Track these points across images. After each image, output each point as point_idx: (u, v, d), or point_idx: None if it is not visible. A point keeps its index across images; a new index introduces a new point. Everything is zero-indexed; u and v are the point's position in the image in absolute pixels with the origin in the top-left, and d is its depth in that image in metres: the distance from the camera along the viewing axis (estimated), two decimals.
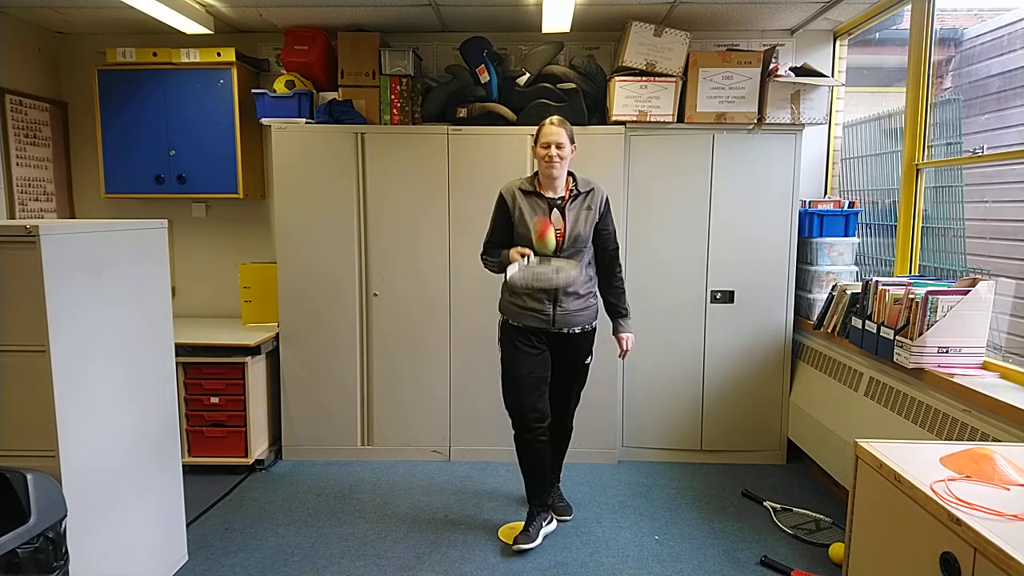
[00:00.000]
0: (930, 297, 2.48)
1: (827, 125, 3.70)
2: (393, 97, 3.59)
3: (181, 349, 3.25)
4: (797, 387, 3.62)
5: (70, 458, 1.99)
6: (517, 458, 2.86)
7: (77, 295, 2.03)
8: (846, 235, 3.51)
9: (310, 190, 3.58)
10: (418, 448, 3.74)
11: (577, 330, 2.79)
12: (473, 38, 3.51)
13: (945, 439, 2.35)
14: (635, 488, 3.41)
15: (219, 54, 3.63)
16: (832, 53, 3.82)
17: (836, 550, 2.70)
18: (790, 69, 3.45)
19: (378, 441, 3.74)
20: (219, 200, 4.03)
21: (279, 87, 3.63)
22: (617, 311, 2.89)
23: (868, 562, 1.68)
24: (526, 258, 2.62)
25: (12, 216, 3.64)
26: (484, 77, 3.52)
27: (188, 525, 2.81)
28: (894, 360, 2.64)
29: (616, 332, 2.89)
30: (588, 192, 2.76)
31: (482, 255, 2.84)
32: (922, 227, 3.13)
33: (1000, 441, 2.10)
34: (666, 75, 3.42)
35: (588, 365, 2.91)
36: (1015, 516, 1.33)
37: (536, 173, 2.77)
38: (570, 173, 2.77)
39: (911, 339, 2.53)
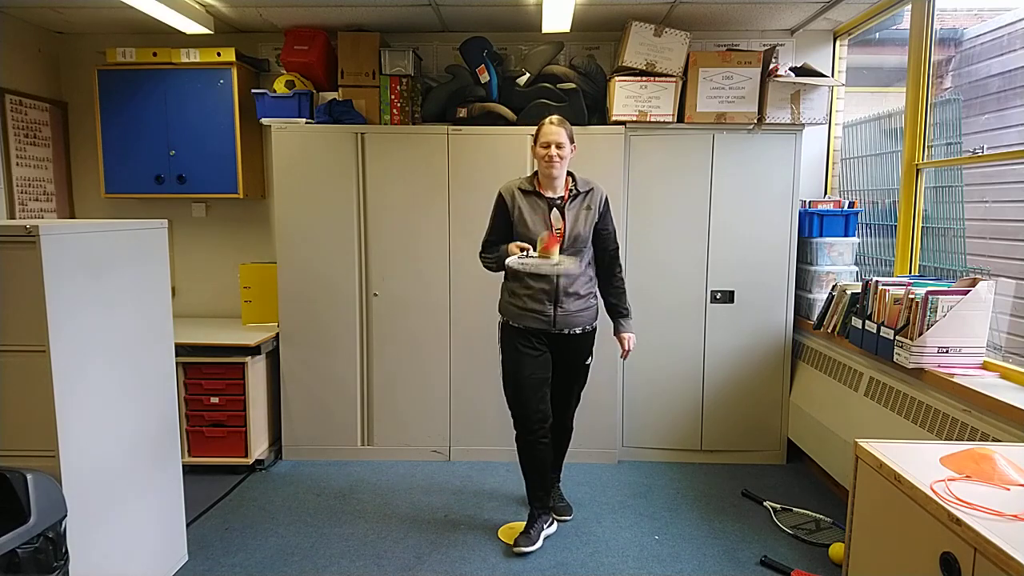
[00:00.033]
0: (930, 297, 2.48)
1: (827, 125, 3.70)
2: (393, 97, 3.59)
3: (181, 349, 3.25)
4: (797, 387, 3.62)
5: (70, 458, 1.99)
6: (519, 459, 2.86)
7: (77, 295, 2.03)
8: (846, 235, 3.51)
9: (310, 190, 3.58)
10: (418, 448, 3.74)
11: (578, 331, 2.78)
12: (473, 38, 3.51)
13: (945, 439, 2.35)
14: (635, 488, 3.41)
15: (219, 54, 3.63)
16: (832, 53, 3.82)
17: (836, 550, 2.70)
18: (790, 69, 3.45)
19: (378, 441, 3.74)
20: (219, 200, 4.03)
21: (279, 87, 3.63)
22: (618, 311, 2.89)
23: (868, 562, 1.67)
24: (526, 252, 2.62)
25: (12, 216, 3.64)
26: (484, 77, 3.52)
27: (188, 525, 2.81)
28: (894, 360, 2.64)
29: (617, 332, 2.89)
30: (588, 192, 2.75)
31: (481, 253, 2.84)
32: (922, 227, 3.13)
33: (1000, 441, 2.10)
34: (666, 75, 3.42)
35: (588, 366, 2.91)
36: (1015, 516, 1.33)
37: (536, 173, 2.77)
38: (569, 173, 2.76)
39: (911, 339, 2.53)
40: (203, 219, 4.07)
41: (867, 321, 2.84)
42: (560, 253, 2.67)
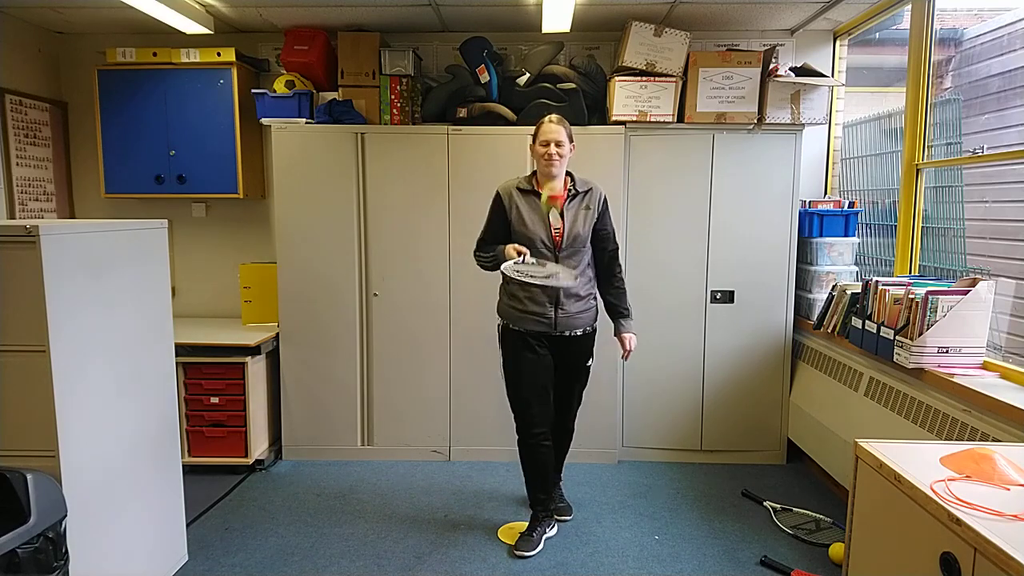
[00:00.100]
0: (930, 297, 2.48)
1: (827, 125, 3.70)
2: (393, 97, 3.59)
3: (181, 349, 3.25)
4: (797, 387, 3.62)
5: (70, 458, 1.99)
6: (520, 461, 2.86)
7: (77, 295, 2.03)
8: (846, 235, 3.51)
9: (310, 190, 3.58)
10: (418, 448, 3.74)
11: (579, 332, 2.78)
12: (473, 38, 3.51)
13: (945, 439, 2.35)
14: (635, 488, 3.41)
15: (219, 54, 3.63)
16: (832, 53, 3.82)
17: (836, 550, 2.70)
18: (790, 69, 3.45)
19: (378, 441, 3.74)
20: (219, 200, 4.03)
21: (279, 87, 3.63)
22: (618, 311, 2.88)
23: (868, 562, 1.67)
24: (523, 256, 2.61)
25: (12, 216, 3.64)
26: (484, 77, 3.52)
27: (188, 525, 2.81)
28: (894, 360, 2.64)
29: (618, 333, 2.88)
30: (586, 192, 2.75)
31: (475, 252, 2.82)
32: (922, 227, 3.13)
33: (1000, 441, 2.10)
34: (666, 75, 3.42)
35: (590, 367, 2.90)
36: (1015, 516, 1.33)
37: (534, 172, 2.76)
38: (568, 173, 2.76)
39: (911, 339, 2.53)
40: (203, 219, 4.07)
41: (867, 321, 2.84)
42: (559, 253, 2.67)
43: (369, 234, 3.61)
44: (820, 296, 3.45)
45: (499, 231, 2.76)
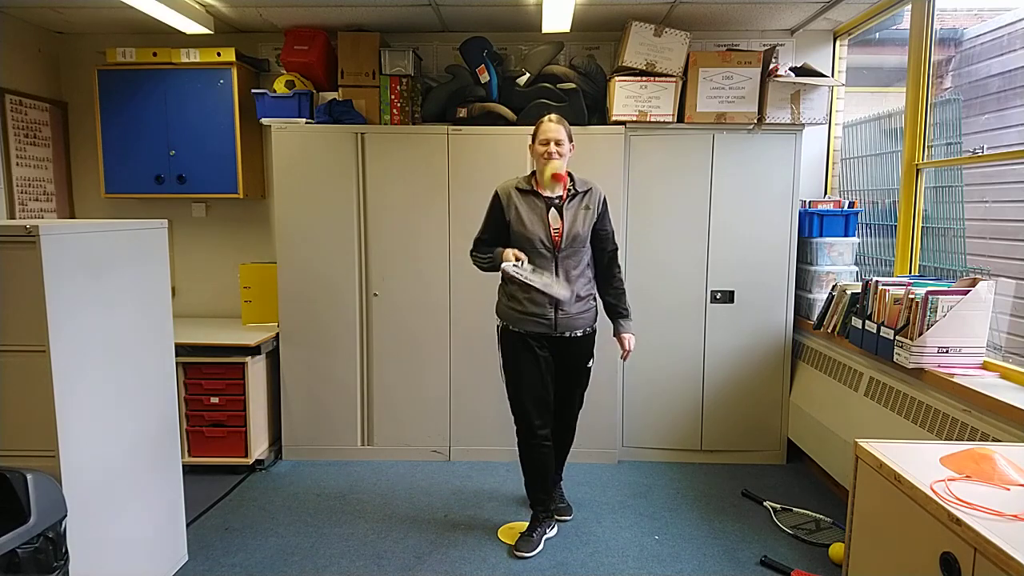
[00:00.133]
0: (930, 297, 2.48)
1: (827, 125, 3.70)
2: (393, 97, 3.59)
3: (181, 349, 3.25)
4: (797, 387, 3.62)
5: (70, 458, 1.99)
6: (520, 462, 2.86)
7: (77, 295, 2.03)
8: (846, 235, 3.51)
9: (310, 190, 3.58)
10: (418, 448, 3.74)
11: (579, 333, 2.78)
12: (473, 38, 3.51)
13: (945, 439, 2.35)
14: (635, 488, 3.41)
15: (219, 54, 3.63)
16: (832, 53, 3.82)
17: (836, 550, 2.70)
18: (790, 69, 3.45)
19: (378, 441, 3.74)
20: (219, 200, 4.03)
21: (279, 87, 3.63)
22: (617, 312, 2.87)
23: (868, 562, 1.67)
24: (521, 262, 2.60)
25: (12, 216, 3.64)
26: (484, 77, 3.52)
27: (188, 525, 2.81)
28: (894, 360, 2.64)
29: (617, 333, 2.87)
30: (586, 192, 2.74)
31: (472, 252, 2.80)
32: (922, 227, 3.13)
33: (1000, 441, 2.10)
34: (666, 75, 3.42)
35: (590, 368, 2.89)
36: (1015, 516, 1.33)
37: (533, 172, 2.75)
38: (568, 173, 2.74)
39: (911, 339, 2.53)
40: (203, 219, 4.07)
41: (867, 321, 2.84)
42: (559, 254, 2.67)
43: (369, 234, 3.61)
44: (820, 296, 3.45)
45: (497, 231, 2.75)
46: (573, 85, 3.49)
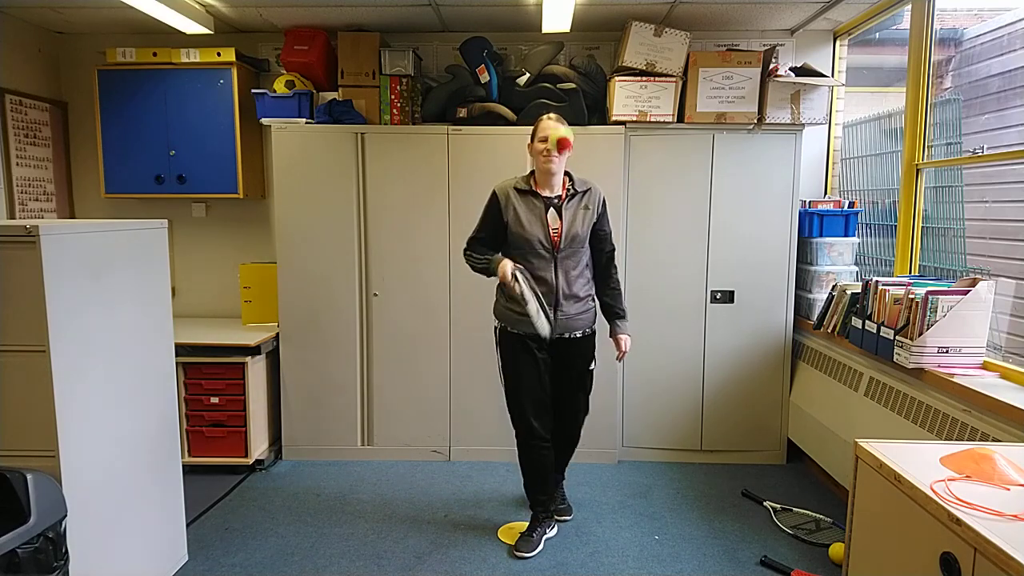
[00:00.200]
0: (930, 297, 2.48)
1: (827, 125, 3.70)
2: (393, 97, 3.59)
3: (181, 349, 3.25)
4: (797, 387, 3.62)
5: (70, 458, 1.99)
6: (520, 463, 2.86)
7: (77, 295, 2.03)
8: (846, 235, 3.51)
9: (310, 190, 3.58)
10: (418, 448, 3.74)
11: (578, 334, 2.77)
12: (473, 38, 3.51)
13: (945, 439, 2.35)
14: (635, 488, 3.41)
15: (219, 54, 3.63)
16: (832, 53, 3.82)
17: (836, 550, 2.70)
18: (790, 69, 3.45)
19: (378, 441, 3.74)
20: (219, 200, 4.03)
21: (279, 87, 3.63)
22: (614, 312, 2.85)
23: (868, 562, 1.68)
24: (516, 275, 2.56)
25: (12, 216, 3.64)
26: (484, 77, 3.52)
27: (188, 525, 2.81)
28: (894, 360, 2.64)
29: (613, 334, 2.86)
30: (585, 192, 2.73)
31: (465, 251, 2.76)
32: (922, 227, 3.13)
33: (1000, 441, 2.10)
34: (666, 75, 3.42)
35: (592, 372, 2.87)
36: (1015, 516, 1.33)
37: (532, 172, 2.74)
38: (567, 173, 2.74)
39: (911, 339, 2.53)
40: (203, 219, 4.07)
41: (867, 321, 2.84)
42: (558, 253, 2.66)
43: (369, 234, 3.61)
44: (820, 296, 3.45)
45: (493, 231, 2.72)
46: (573, 85, 3.49)
